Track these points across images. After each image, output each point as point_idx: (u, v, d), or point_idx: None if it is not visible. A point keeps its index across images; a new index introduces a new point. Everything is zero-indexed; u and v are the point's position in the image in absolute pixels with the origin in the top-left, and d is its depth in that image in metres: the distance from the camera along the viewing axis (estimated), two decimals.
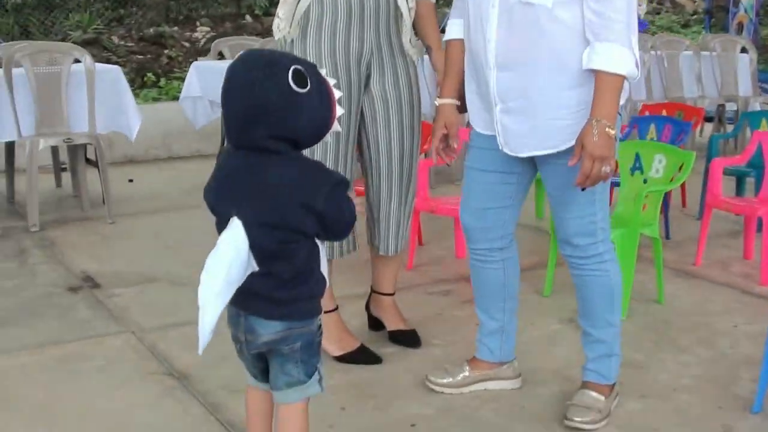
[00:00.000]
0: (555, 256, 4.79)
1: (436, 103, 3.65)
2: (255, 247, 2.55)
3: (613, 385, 3.55)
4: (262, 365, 2.78)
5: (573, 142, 3.12)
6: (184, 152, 9.53)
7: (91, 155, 7.13)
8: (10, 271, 5.44)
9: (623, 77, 3.05)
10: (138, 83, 11.07)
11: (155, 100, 10.66)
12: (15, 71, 6.42)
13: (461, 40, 3.49)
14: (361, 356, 4.06)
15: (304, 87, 2.51)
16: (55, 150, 7.75)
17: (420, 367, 3.91)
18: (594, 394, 3.47)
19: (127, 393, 3.75)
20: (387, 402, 3.65)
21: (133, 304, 4.82)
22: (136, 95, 7.02)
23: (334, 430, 3.38)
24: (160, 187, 7.95)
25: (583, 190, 3.14)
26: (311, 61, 2.90)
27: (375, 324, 4.40)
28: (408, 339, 4.26)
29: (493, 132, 3.35)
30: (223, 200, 2.62)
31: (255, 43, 8.47)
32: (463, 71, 3.53)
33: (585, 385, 3.53)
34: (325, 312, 3.37)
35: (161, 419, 3.52)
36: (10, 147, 7.17)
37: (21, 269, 5.48)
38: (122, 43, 12.68)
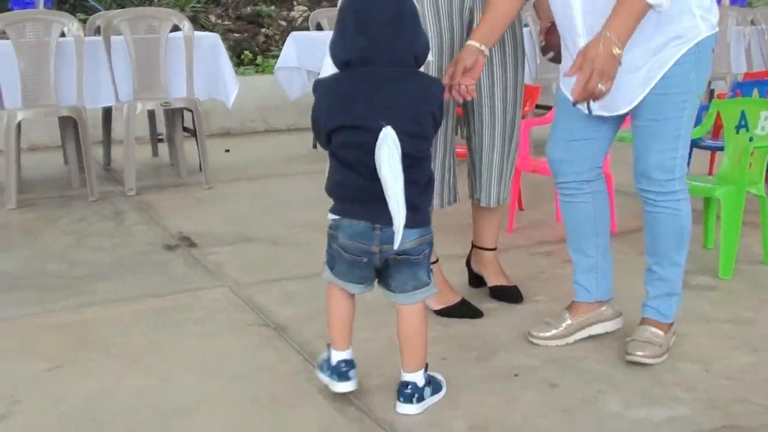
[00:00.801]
0: None
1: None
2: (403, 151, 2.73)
3: (671, 324, 3.56)
4: (377, 271, 3.01)
5: (662, 73, 3.19)
6: (280, 125, 9.54)
7: (187, 124, 7.15)
8: (108, 230, 5.47)
9: (648, 6, 2.98)
10: (235, 61, 11.10)
11: None
12: (113, 38, 6.45)
13: None
14: (462, 310, 3.97)
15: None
16: (152, 120, 7.81)
17: (523, 322, 3.83)
18: (652, 329, 3.51)
19: (224, 342, 3.72)
20: (489, 353, 3.56)
21: (230, 261, 4.79)
22: None
23: None
24: (257, 157, 7.94)
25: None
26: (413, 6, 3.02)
27: (475, 280, 4.32)
28: (509, 294, 4.17)
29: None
30: (362, 114, 2.81)
31: None
32: (505, 21, 3.60)
33: (644, 321, 3.56)
34: None
35: (259, 367, 3.47)
36: (107, 114, 7.24)
37: (118, 229, 5.50)
38: (219, 21, 12.73)
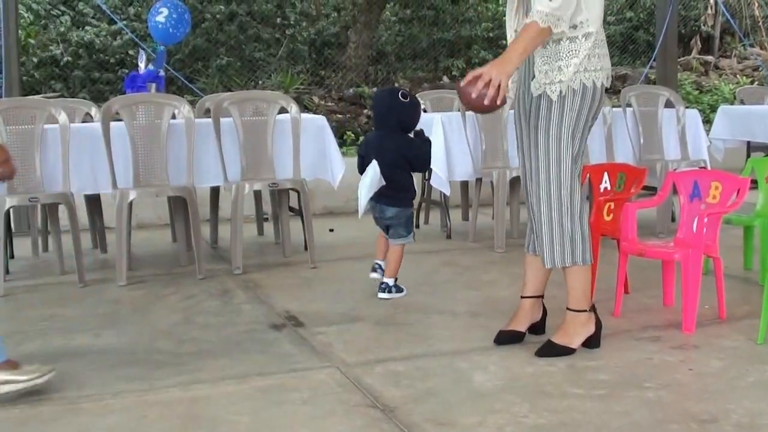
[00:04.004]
0: None
1: None
2: (384, 173, 5.57)
3: None
4: (386, 227, 5.85)
5: None
6: None
7: (292, 203, 7.24)
8: (215, 308, 5.55)
9: None
10: (338, 142, 11.22)
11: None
12: (222, 120, 6.59)
13: None
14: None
15: (405, 99, 5.69)
16: (257, 199, 7.93)
17: (634, 410, 3.76)
18: None
19: (332, 424, 3.71)
20: None
21: (337, 341, 4.81)
22: None
23: None
24: (361, 237, 7.98)
25: None
26: None
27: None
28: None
29: None
30: (369, 153, 5.69)
31: (455, 96, 8.47)
32: None
33: None
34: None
35: None
36: (215, 193, 7.37)
37: (225, 307, 5.57)
38: (322, 102, 12.93)
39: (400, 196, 5.71)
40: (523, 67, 4.43)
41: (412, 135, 5.80)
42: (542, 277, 4.65)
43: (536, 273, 4.64)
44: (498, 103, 4.08)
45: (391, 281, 5.74)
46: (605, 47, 4.39)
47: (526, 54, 4.17)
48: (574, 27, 4.21)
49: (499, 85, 4.03)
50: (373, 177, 5.54)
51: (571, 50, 4.24)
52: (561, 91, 4.24)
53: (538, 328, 4.71)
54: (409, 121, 5.75)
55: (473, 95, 4.05)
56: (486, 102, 4.05)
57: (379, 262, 5.93)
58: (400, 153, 5.65)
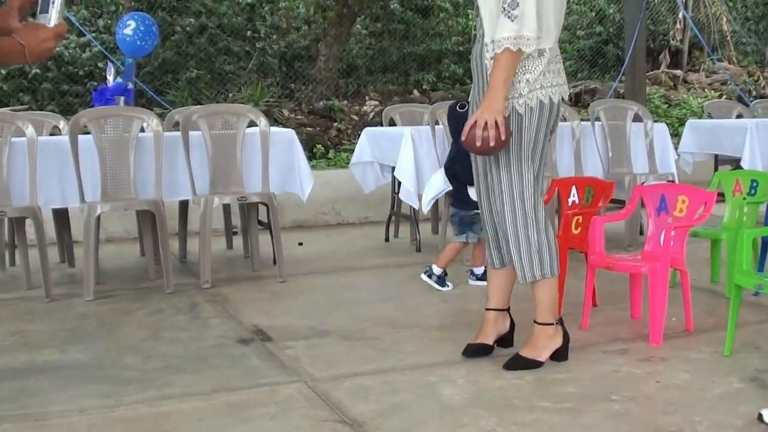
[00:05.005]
0: (735, 317, 4.61)
1: None
2: (447, 176, 6.36)
3: None
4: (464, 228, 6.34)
5: None
6: (352, 218, 9.61)
7: (261, 217, 7.23)
8: (183, 323, 5.52)
9: None
10: (307, 155, 11.21)
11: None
12: (191, 134, 6.58)
13: None
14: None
15: (462, 109, 5.84)
16: (226, 213, 7.91)
17: (594, 423, 3.76)
18: None
19: None
20: None
21: (305, 356, 4.80)
22: None
23: None
24: (330, 251, 8.00)
25: None
26: None
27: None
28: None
29: None
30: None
31: (425, 110, 8.48)
32: None
33: None
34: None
35: None
36: (183, 207, 7.35)
37: (193, 322, 5.55)
38: (292, 115, 12.90)
39: (458, 198, 6.31)
40: (476, 88, 4.47)
41: None
42: (506, 290, 4.67)
43: (499, 286, 4.66)
44: (503, 138, 4.15)
45: (437, 270, 6.32)
46: (560, 63, 4.41)
47: (507, 83, 4.18)
48: None
49: (496, 123, 4.11)
50: (433, 180, 6.57)
51: (525, 66, 4.25)
52: (515, 108, 4.26)
53: (506, 341, 4.72)
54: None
55: (478, 143, 4.16)
56: (492, 144, 4.14)
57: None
58: (451, 159, 6.38)
